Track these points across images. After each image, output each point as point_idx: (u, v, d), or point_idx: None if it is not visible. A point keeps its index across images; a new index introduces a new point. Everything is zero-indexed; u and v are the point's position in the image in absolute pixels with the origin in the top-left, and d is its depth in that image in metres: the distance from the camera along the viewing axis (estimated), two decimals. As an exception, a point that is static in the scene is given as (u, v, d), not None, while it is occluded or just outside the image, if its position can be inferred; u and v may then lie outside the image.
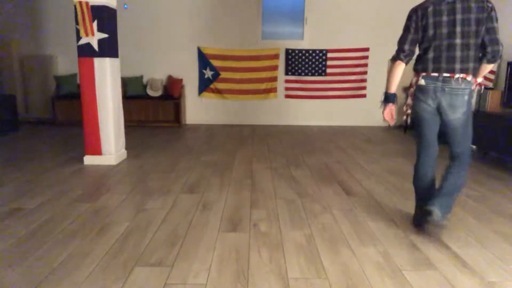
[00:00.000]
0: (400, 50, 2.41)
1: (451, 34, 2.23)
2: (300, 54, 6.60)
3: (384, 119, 2.55)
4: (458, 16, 2.22)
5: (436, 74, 2.31)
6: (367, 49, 6.57)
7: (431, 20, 2.28)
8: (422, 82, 2.39)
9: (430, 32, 2.29)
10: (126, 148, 4.35)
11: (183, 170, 3.80)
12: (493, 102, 4.23)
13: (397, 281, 1.88)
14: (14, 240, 2.25)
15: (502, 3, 4.61)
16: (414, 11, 2.36)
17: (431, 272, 1.97)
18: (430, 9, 2.27)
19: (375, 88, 6.69)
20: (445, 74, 2.28)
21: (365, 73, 6.66)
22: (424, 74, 2.37)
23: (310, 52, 6.59)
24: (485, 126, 4.05)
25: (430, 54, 2.31)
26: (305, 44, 6.62)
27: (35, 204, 2.84)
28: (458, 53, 2.24)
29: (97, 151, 3.98)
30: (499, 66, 4.62)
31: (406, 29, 2.40)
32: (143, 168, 3.88)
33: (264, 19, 6.62)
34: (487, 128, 4.01)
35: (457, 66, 2.25)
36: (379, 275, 1.93)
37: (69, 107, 6.43)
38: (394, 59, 2.45)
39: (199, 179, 3.52)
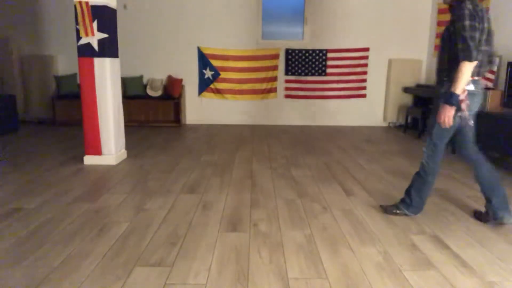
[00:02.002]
0: (476, 50, 2.26)
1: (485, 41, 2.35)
2: (300, 54, 6.60)
3: (448, 123, 2.37)
4: (486, 25, 2.33)
5: (478, 78, 2.36)
6: (367, 49, 6.56)
7: (486, 25, 2.31)
8: (472, 87, 2.35)
9: (484, 37, 2.32)
10: (126, 148, 4.35)
11: (183, 170, 3.80)
12: (493, 102, 4.22)
13: (397, 281, 1.88)
14: (14, 240, 2.25)
15: (503, 3, 4.61)
16: (476, 12, 2.27)
17: (431, 272, 1.97)
18: (484, 14, 2.32)
19: (375, 88, 6.70)
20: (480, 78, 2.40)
21: (365, 73, 6.66)
22: (471, 79, 2.33)
23: (310, 52, 6.59)
24: (485, 126, 4.05)
25: (479, 58, 2.31)
26: (305, 44, 6.62)
27: (35, 204, 2.84)
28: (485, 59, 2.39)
29: (97, 151, 3.98)
30: (499, 66, 4.62)
31: (474, 28, 2.25)
32: (143, 168, 3.88)
33: (264, 19, 6.62)
34: (487, 128, 4.01)
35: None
36: (379, 275, 1.93)
37: (69, 107, 6.42)
38: (474, 59, 2.25)
39: (199, 179, 3.52)
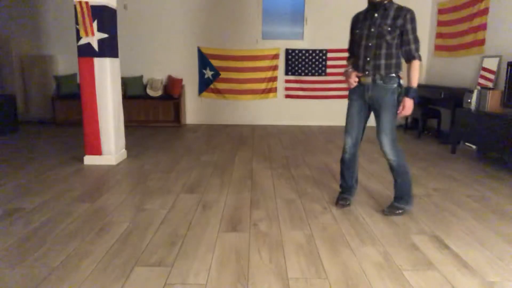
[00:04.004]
0: None
1: None
2: (300, 54, 6.60)
3: (409, 113, 2.62)
4: None
5: None
6: (367, 49, 6.56)
7: None
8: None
9: None
10: (126, 148, 4.35)
11: (183, 170, 3.80)
12: (493, 102, 4.22)
13: (397, 281, 1.88)
14: (14, 240, 2.25)
15: (503, 3, 4.61)
16: None
17: (431, 272, 1.97)
18: None
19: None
20: None
21: (365, 73, 6.65)
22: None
23: (310, 52, 6.59)
24: (485, 126, 4.05)
25: None
26: (305, 44, 6.62)
27: (35, 204, 2.84)
28: None
29: (97, 151, 3.98)
30: (499, 66, 4.62)
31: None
32: (143, 168, 3.88)
33: (264, 19, 6.62)
34: (487, 128, 4.01)
35: None
36: (379, 275, 1.93)
37: (69, 107, 6.43)
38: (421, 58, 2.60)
39: (199, 179, 3.52)
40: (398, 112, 2.61)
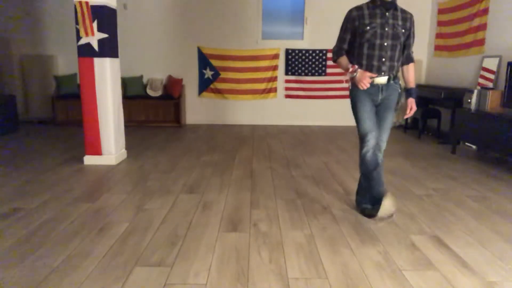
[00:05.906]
0: None
1: None
2: (300, 54, 6.60)
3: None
4: None
5: None
6: (367, 49, 6.56)
7: None
8: None
9: None
10: (126, 148, 4.35)
11: (183, 170, 3.80)
12: (493, 102, 4.22)
13: (397, 281, 1.88)
14: (14, 240, 2.25)
15: (503, 3, 4.61)
16: None
17: (431, 272, 1.97)
18: None
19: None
20: None
21: (365, 73, 6.65)
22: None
23: (310, 52, 6.59)
24: (485, 126, 4.05)
25: None
26: (305, 44, 6.62)
27: (35, 204, 2.84)
28: None
29: (97, 151, 3.98)
30: (499, 66, 4.61)
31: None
32: (143, 168, 3.88)
33: (264, 19, 6.62)
34: (487, 128, 4.01)
35: None
36: (379, 275, 1.93)
37: (69, 107, 6.43)
38: None
39: (199, 179, 3.52)
40: (407, 113, 2.60)
